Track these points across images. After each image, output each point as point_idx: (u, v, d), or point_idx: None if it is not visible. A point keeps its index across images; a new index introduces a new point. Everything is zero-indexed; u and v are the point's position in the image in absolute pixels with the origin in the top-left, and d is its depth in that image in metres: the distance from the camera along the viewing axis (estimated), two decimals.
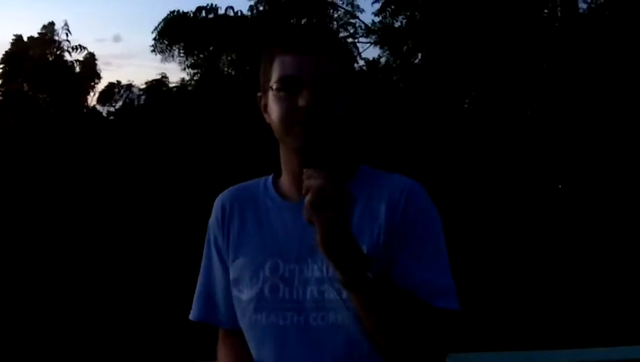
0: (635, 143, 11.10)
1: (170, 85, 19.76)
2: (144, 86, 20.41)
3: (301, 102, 1.38)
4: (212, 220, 1.60)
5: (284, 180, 1.53)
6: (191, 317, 1.64)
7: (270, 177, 1.59)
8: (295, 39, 1.45)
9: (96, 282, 11.23)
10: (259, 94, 1.50)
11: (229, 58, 16.21)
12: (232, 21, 16.00)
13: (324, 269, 1.40)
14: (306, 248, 1.42)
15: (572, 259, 10.69)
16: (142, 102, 19.17)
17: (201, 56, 16.45)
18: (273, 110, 1.44)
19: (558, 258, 10.76)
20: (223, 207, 1.59)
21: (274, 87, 1.43)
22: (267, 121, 1.50)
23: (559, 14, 12.75)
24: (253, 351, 1.51)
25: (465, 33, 11.71)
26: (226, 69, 16.28)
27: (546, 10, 13.08)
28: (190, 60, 16.63)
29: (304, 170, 1.31)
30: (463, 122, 11.75)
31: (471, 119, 11.93)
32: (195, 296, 1.63)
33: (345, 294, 1.35)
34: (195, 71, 17.59)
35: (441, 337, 1.37)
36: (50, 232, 12.92)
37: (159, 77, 21.11)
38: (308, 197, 1.26)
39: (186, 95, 16.66)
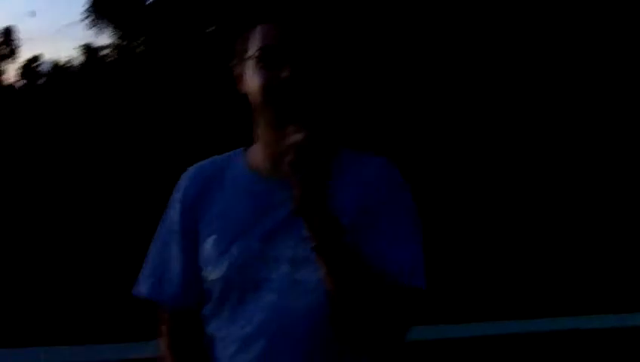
0: (633, 133, 11.05)
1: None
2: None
3: (283, 73, 1.35)
4: (178, 196, 1.52)
5: (257, 154, 1.48)
6: (141, 292, 1.51)
7: (240, 150, 1.53)
8: (276, 8, 1.42)
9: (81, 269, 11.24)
10: (232, 63, 1.48)
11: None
12: None
13: (297, 248, 1.37)
14: (277, 225, 1.40)
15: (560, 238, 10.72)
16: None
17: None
18: (251, 80, 1.41)
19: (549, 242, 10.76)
20: (190, 183, 1.52)
21: (254, 56, 1.40)
22: (242, 90, 1.46)
23: None
24: (218, 333, 1.46)
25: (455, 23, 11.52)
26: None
27: None
28: (119, 34, 15.56)
29: (288, 126, 1.29)
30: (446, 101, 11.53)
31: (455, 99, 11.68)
32: (144, 271, 1.52)
33: (319, 274, 1.33)
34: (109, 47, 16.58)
35: (406, 315, 1.38)
36: None
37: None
38: (288, 156, 1.25)
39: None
